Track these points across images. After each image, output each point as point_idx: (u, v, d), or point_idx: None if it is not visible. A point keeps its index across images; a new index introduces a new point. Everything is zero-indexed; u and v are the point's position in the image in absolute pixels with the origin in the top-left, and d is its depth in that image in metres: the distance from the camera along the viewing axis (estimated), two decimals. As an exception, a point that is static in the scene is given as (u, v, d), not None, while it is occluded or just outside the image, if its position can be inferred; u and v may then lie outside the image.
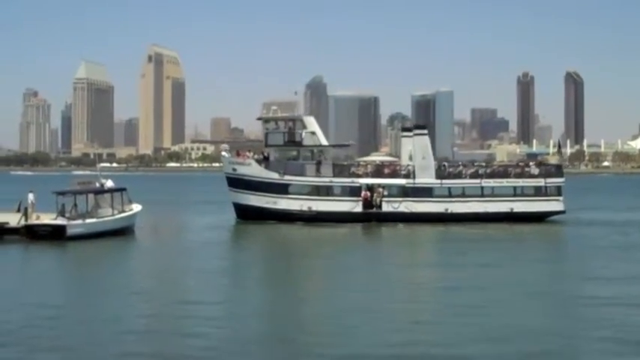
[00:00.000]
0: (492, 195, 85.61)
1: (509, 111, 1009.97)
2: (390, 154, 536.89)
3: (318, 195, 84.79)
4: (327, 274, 48.74)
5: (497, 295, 38.96)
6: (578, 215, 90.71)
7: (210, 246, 65.80)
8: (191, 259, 57.66)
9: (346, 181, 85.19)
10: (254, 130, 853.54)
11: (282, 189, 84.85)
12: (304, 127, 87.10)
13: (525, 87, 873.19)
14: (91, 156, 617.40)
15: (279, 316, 34.81)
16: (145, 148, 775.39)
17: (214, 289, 42.36)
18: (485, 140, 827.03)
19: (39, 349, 28.12)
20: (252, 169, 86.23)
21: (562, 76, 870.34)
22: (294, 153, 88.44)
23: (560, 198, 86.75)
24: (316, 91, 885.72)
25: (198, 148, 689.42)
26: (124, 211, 72.60)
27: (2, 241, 63.73)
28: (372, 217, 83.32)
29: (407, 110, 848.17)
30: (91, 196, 70.18)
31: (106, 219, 69.30)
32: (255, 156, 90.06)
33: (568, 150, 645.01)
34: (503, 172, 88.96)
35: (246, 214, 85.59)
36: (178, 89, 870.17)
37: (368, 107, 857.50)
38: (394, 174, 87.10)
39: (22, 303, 37.42)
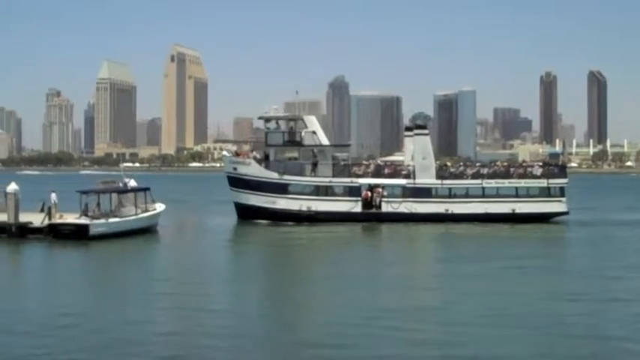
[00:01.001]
0: (494, 196, 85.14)
1: (532, 110, 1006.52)
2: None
3: (318, 195, 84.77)
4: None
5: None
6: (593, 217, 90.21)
7: (233, 246, 65.99)
8: (213, 259, 57.88)
9: (345, 181, 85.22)
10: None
11: (281, 189, 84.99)
12: (305, 126, 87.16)
13: (548, 86, 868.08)
14: (114, 156, 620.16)
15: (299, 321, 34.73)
16: (168, 147, 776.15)
17: (232, 292, 42.43)
18: (508, 140, 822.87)
19: (64, 351, 28.19)
20: (252, 169, 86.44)
21: (585, 76, 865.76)
22: (295, 153, 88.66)
23: (564, 199, 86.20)
24: (339, 90, 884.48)
25: (220, 148, 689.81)
26: (147, 211, 72.96)
27: (26, 240, 64.10)
28: (371, 218, 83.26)
29: (429, 110, 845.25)
30: (114, 195, 70.65)
31: (129, 218, 69.66)
32: (256, 155, 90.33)
33: (591, 150, 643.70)
34: (505, 173, 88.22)
35: (247, 214, 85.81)
36: (201, 89, 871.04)
37: (390, 107, 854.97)
38: (394, 174, 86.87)
39: (46, 303, 37.62)
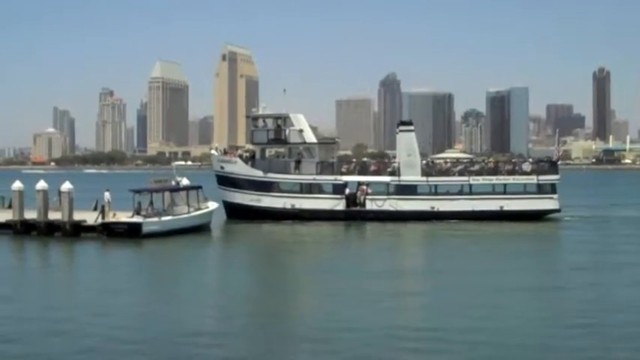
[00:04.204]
0: (481, 193, 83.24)
1: (585, 107, 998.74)
2: (464, 151, 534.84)
3: (301, 193, 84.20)
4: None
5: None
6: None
7: (289, 245, 65.99)
8: (271, 258, 58.09)
9: (329, 178, 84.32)
10: (328, 127, 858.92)
11: (265, 187, 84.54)
12: (292, 124, 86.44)
13: (601, 82, 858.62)
14: (166, 154, 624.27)
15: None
16: (220, 146, 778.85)
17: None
18: (561, 136, 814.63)
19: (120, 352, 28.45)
20: (239, 167, 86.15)
21: (639, 71, 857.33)
22: (282, 150, 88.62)
23: (555, 196, 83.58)
24: (390, 88, 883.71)
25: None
26: (199, 209, 73.08)
27: (80, 238, 64.63)
28: (355, 216, 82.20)
29: (481, 107, 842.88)
30: (167, 194, 70.98)
31: (181, 217, 69.88)
32: (242, 153, 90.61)
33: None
34: (493, 169, 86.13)
35: (233, 213, 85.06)
36: (252, 87, 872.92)
37: (442, 104, 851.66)
38: (379, 171, 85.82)
39: (99, 302, 37.94)
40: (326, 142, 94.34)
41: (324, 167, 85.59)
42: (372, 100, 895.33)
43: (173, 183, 73.93)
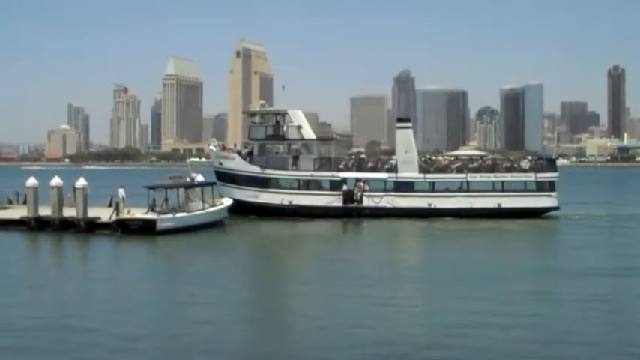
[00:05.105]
0: (478, 190, 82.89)
1: (599, 104, 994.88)
2: (479, 149, 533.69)
3: (299, 189, 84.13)
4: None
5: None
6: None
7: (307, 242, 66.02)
8: (283, 253, 58.07)
9: (326, 175, 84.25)
10: (342, 124, 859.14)
11: (263, 183, 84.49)
12: (291, 121, 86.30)
13: (616, 80, 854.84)
14: (181, 151, 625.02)
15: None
16: (234, 142, 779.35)
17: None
18: (576, 134, 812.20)
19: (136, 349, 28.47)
20: (237, 164, 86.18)
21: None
22: (280, 147, 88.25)
23: (553, 194, 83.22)
24: (404, 85, 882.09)
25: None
26: (214, 206, 73.17)
27: (95, 235, 64.71)
28: (352, 212, 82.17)
29: (496, 104, 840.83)
30: (181, 190, 71.00)
31: (196, 213, 69.93)
32: (241, 149, 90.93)
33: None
34: (490, 167, 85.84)
35: (231, 209, 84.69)
36: (266, 84, 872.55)
37: (456, 101, 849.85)
38: (377, 168, 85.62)
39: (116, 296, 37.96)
40: (324, 139, 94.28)
41: (322, 164, 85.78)
42: (386, 97, 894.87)
43: (188, 180, 74.09)
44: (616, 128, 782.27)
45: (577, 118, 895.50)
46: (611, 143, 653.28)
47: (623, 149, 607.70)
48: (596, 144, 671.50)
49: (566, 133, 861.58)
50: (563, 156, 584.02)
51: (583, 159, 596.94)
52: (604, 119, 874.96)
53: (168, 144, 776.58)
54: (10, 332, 30.38)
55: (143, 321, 32.74)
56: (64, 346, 28.40)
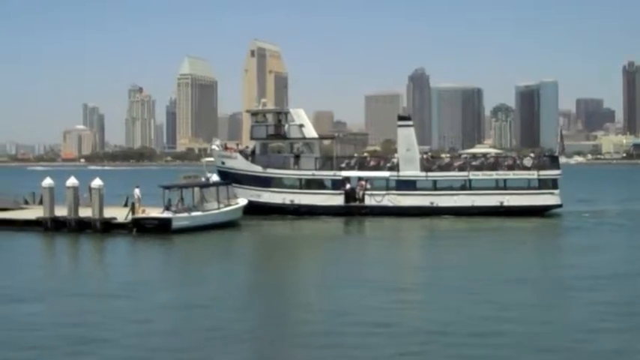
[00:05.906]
0: (480, 188, 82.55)
1: (615, 101, 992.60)
2: (494, 146, 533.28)
3: (300, 188, 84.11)
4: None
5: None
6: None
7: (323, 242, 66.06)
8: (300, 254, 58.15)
9: (328, 174, 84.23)
10: (357, 123, 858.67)
11: (265, 182, 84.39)
12: (293, 119, 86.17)
13: (631, 76, 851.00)
14: (196, 151, 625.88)
15: None
16: (249, 142, 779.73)
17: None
18: (591, 131, 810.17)
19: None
20: (239, 163, 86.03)
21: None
22: (282, 146, 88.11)
23: (556, 191, 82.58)
24: (419, 83, 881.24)
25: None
26: (229, 205, 73.30)
27: (111, 234, 64.92)
28: (354, 211, 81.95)
29: (511, 101, 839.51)
30: (196, 189, 71.25)
31: (211, 212, 70.11)
32: (245, 147, 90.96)
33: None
34: (493, 164, 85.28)
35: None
36: (281, 83, 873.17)
37: (471, 99, 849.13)
38: (378, 167, 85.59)
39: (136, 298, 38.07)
40: (326, 137, 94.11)
41: (324, 163, 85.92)
42: (401, 95, 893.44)
43: (203, 179, 74.31)
44: (632, 125, 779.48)
45: (592, 115, 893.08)
46: (626, 140, 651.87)
47: (638, 146, 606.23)
48: (611, 141, 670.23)
49: (582, 130, 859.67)
50: (578, 153, 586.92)
51: (599, 156, 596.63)
52: (619, 116, 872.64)
53: (183, 143, 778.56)
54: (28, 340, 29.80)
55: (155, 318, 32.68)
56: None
